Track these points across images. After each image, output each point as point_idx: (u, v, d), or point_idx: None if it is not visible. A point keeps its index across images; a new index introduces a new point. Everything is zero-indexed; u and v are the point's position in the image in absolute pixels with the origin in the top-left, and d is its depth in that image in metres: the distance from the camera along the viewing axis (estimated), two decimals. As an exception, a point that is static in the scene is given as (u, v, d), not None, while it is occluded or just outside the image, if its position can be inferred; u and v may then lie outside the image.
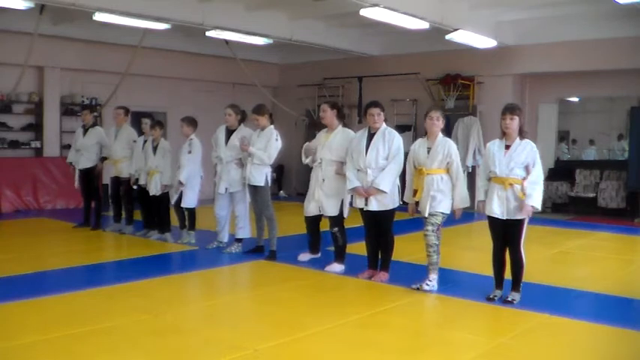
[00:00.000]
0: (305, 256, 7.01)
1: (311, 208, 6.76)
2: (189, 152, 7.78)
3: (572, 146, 13.78)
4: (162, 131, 8.38)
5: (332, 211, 6.58)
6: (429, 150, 5.74)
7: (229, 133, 7.45)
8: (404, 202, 6.07)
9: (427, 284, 5.76)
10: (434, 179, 5.69)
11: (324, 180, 6.60)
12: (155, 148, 8.07)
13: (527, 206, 5.21)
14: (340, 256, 6.67)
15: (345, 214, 6.61)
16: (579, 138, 13.78)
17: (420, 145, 5.86)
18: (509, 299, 5.41)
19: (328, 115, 6.69)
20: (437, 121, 5.76)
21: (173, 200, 7.91)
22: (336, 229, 6.64)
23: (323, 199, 6.61)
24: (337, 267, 6.63)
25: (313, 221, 6.92)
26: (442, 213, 5.70)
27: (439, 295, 5.72)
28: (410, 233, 7.89)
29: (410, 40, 12.22)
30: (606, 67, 11.10)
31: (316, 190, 6.68)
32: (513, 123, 5.29)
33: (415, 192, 5.79)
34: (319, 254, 6.97)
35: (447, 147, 5.71)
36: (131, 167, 8.42)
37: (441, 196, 5.67)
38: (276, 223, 7.23)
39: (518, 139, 5.32)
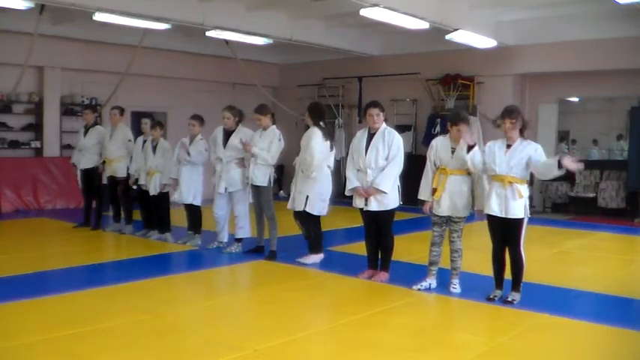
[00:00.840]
0: (308, 259, 7.02)
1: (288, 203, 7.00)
2: (207, 150, 7.80)
3: (572, 146, 13.77)
4: (162, 132, 8.38)
5: (298, 206, 6.79)
6: (452, 150, 5.71)
7: (228, 134, 7.45)
8: (420, 201, 5.99)
9: (454, 287, 5.77)
10: (457, 180, 5.67)
11: (297, 177, 6.91)
12: (155, 148, 8.08)
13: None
14: (312, 247, 6.91)
15: (315, 212, 6.77)
16: (579, 138, 13.78)
17: (442, 145, 5.79)
18: (510, 299, 5.41)
19: (306, 116, 7.08)
20: (462, 132, 5.62)
21: (189, 200, 7.83)
22: (297, 222, 6.90)
23: (296, 195, 6.84)
24: (310, 258, 6.84)
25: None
26: (464, 217, 5.74)
27: (439, 295, 5.72)
28: (410, 233, 7.90)
29: (410, 40, 12.22)
30: (606, 67, 11.10)
31: (292, 186, 6.97)
32: (513, 127, 5.29)
33: (434, 191, 5.75)
34: (322, 255, 7.00)
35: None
36: (129, 167, 8.42)
37: (462, 199, 5.66)
38: (276, 223, 7.24)
39: (520, 139, 5.33)
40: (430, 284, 5.87)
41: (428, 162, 5.88)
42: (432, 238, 5.87)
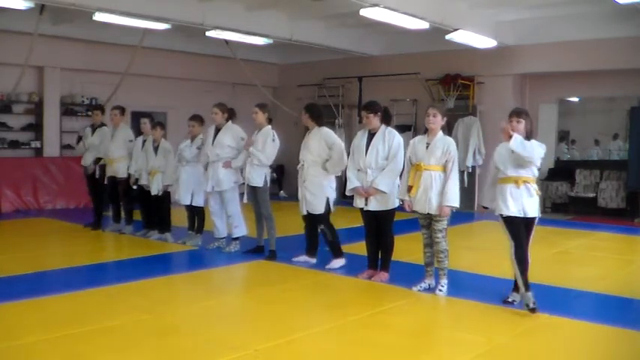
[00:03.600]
0: (300, 258, 6.99)
1: (301, 208, 6.86)
2: (199, 148, 7.77)
3: (572, 146, 13.77)
4: (164, 132, 8.37)
5: (318, 209, 6.68)
6: (427, 145, 5.70)
7: (217, 132, 7.47)
8: (402, 201, 6.03)
9: (440, 290, 5.70)
10: (431, 175, 5.63)
11: (305, 180, 6.75)
12: (156, 149, 8.07)
13: None
14: (336, 251, 6.73)
15: (331, 209, 6.71)
16: (579, 138, 13.78)
17: (419, 141, 5.80)
18: (510, 300, 5.39)
19: (303, 117, 6.93)
20: (433, 118, 5.67)
21: (188, 202, 7.84)
22: (321, 226, 6.74)
23: (309, 198, 6.71)
24: (336, 263, 6.68)
25: (308, 222, 6.93)
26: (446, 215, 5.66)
27: (439, 295, 5.71)
28: (410, 233, 7.87)
29: (410, 40, 12.21)
30: (606, 67, 11.10)
31: (301, 190, 6.81)
32: (519, 126, 5.23)
33: (410, 188, 5.73)
34: (315, 259, 6.93)
35: (446, 144, 5.65)
36: (129, 167, 8.42)
37: (437, 195, 5.57)
38: (274, 223, 7.23)
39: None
40: (429, 284, 5.86)
41: (406, 161, 5.87)
42: (422, 240, 5.86)
